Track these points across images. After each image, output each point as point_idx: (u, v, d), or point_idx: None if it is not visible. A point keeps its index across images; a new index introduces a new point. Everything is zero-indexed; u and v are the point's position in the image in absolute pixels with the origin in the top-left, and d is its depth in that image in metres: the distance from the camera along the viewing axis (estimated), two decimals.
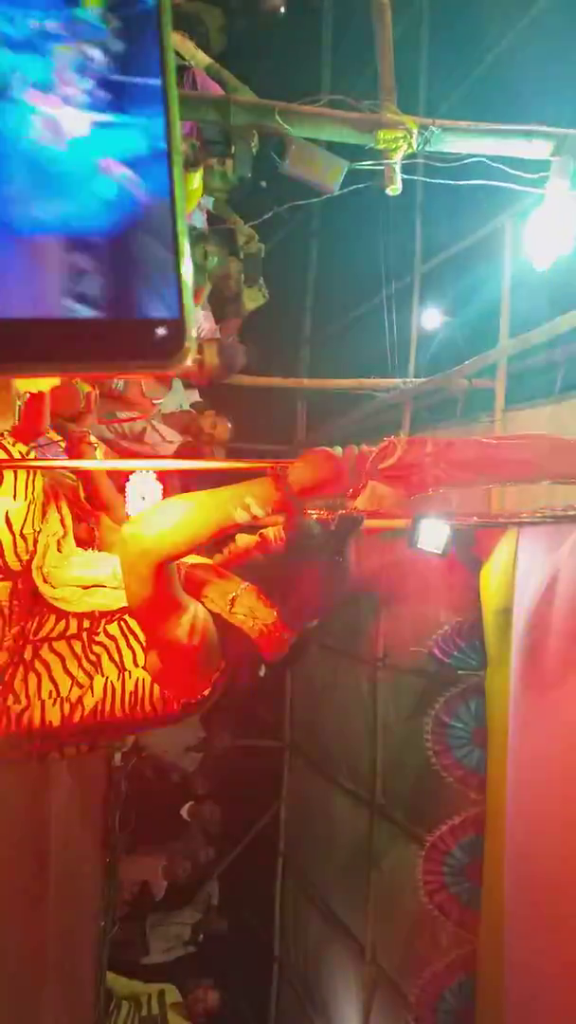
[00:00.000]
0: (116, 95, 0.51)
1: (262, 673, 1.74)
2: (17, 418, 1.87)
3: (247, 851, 6.33)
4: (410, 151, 2.89)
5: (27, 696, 1.58)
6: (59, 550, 1.70)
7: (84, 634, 1.63)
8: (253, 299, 4.97)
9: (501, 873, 3.39)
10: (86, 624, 1.64)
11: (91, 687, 1.59)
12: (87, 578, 1.66)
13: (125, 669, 1.60)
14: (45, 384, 1.94)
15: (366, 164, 3.00)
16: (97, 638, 1.63)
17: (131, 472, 2.68)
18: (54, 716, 1.58)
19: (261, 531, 1.75)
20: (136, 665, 1.60)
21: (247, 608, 1.63)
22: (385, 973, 4.52)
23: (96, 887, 4.34)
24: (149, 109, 0.51)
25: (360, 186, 3.12)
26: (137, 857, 5.38)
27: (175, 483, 3.68)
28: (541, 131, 2.87)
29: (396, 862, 4.38)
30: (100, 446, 2.17)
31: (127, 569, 1.51)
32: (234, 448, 4.90)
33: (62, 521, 1.76)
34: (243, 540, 1.75)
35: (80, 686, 1.59)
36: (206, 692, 1.64)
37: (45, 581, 1.65)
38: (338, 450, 1.53)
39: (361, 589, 4.62)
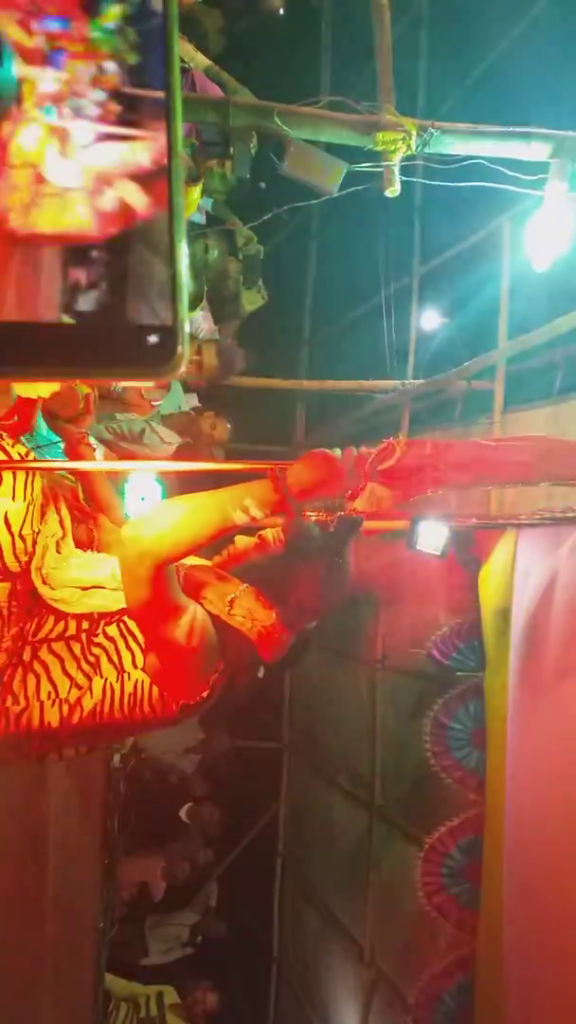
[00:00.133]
0: (127, 108, 0.52)
1: (261, 674, 1.73)
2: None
3: (246, 852, 6.32)
4: (409, 153, 2.90)
5: (26, 697, 1.58)
6: (58, 551, 1.70)
7: (83, 635, 1.63)
8: (252, 301, 4.97)
9: (500, 874, 3.39)
10: (85, 625, 1.64)
11: (90, 688, 1.59)
12: (86, 579, 1.66)
13: (124, 670, 1.60)
14: (44, 389, 1.94)
15: (365, 166, 3.00)
16: (96, 639, 1.63)
17: (130, 473, 2.68)
18: (53, 717, 1.58)
19: (260, 533, 1.75)
20: (135, 667, 1.60)
21: (246, 610, 1.63)
22: (384, 974, 4.52)
23: (95, 888, 4.34)
24: (157, 122, 0.51)
25: (359, 188, 3.12)
26: (136, 858, 5.38)
27: (174, 484, 3.68)
28: (540, 133, 2.88)
29: (395, 863, 4.38)
30: (99, 447, 2.17)
31: (126, 571, 1.51)
32: (233, 449, 4.90)
33: (61, 522, 1.76)
34: (242, 542, 1.75)
35: (79, 687, 1.59)
36: (205, 694, 1.64)
37: (44, 582, 1.65)
38: (337, 452, 1.53)
39: (360, 590, 4.62)
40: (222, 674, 1.65)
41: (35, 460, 1.75)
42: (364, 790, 4.85)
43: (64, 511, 1.79)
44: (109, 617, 1.64)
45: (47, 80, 0.51)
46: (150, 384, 0.53)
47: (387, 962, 4.51)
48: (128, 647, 1.61)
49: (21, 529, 1.65)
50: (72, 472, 2.03)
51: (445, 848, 3.86)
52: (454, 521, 3.34)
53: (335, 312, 6.52)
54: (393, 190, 3.00)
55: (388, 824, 4.55)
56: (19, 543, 1.64)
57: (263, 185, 3.92)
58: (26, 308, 0.49)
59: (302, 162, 2.95)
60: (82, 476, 2.04)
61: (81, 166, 0.51)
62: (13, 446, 1.69)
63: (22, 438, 1.80)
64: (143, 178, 0.51)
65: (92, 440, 2.20)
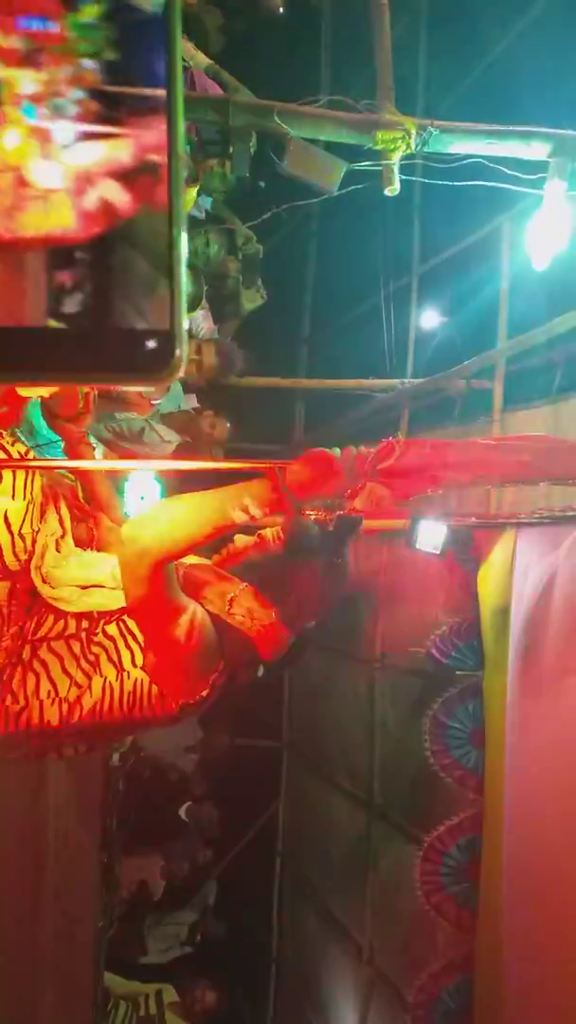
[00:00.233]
0: (110, 107, 0.51)
1: (260, 674, 1.74)
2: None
3: (245, 851, 6.33)
4: (408, 152, 2.90)
5: (25, 696, 1.58)
6: (58, 550, 1.70)
7: (83, 634, 1.63)
8: (251, 300, 4.97)
9: (499, 873, 3.40)
10: (84, 624, 1.64)
11: (89, 687, 1.59)
12: (86, 578, 1.66)
13: (124, 669, 1.60)
14: (44, 389, 1.94)
15: (365, 165, 3.00)
16: (95, 638, 1.63)
17: (130, 472, 2.68)
18: (52, 716, 1.58)
19: (259, 532, 1.75)
20: (135, 665, 1.60)
21: (245, 609, 1.63)
22: (383, 973, 4.52)
23: (94, 887, 4.34)
24: (142, 121, 0.51)
25: (359, 186, 3.12)
26: (135, 857, 5.38)
27: (173, 483, 3.68)
28: (539, 132, 2.88)
29: (394, 862, 4.39)
30: (99, 446, 2.17)
31: (125, 569, 1.52)
32: (232, 448, 4.90)
33: (61, 521, 1.76)
34: (241, 541, 1.75)
35: (78, 686, 1.59)
36: (204, 693, 1.64)
37: (44, 581, 1.65)
38: (336, 451, 1.53)
39: (360, 589, 4.62)
40: (221, 673, 1.65)
41: (35, 459, 1.75)
42: (363, 789, 4.85)
43: (64, 510, 1.79)
44: (109, 616, 1.64)
45: (26, 80, 0.50)
46: (150, 389, 0.53)
47: (386, 961, 4.52)
48: (128, 646, 1.62)
49: (21, 528, 1.65)
50: (72, 471, 2.03)
51: (444, 847, 3.86)
52: (453, 520, 3.34)
53: (335, 311, 6.52)
54: (393, 189, 3.00)
55: (387, 823, 4.56)
56: (19, 542, 1.64)
57: (263, 184, 3.92)
58: (14, 314, 0.49)
59: (302, 161, 2.95)
60: (82, 475, 2.04)
61: (64, 167, 0.50)
62: (12, 444, 1.69)
63: (17, 433, 1.80)
64: (128, 177, 0.50)
65: (92, 439, 2.20)
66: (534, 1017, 3.15)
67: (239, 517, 1.46)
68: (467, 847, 3.81)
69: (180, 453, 4.22)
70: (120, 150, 0.51)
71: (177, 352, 0.49)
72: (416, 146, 2.89)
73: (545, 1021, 3.06)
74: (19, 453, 1.70)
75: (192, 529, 1.46)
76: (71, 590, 1.65)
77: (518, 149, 2.93)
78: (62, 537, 1.74)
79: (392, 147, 2.87)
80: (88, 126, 0.51)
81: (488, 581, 3.65)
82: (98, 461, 2.10)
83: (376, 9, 3.02)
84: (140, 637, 1.61)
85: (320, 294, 6.84)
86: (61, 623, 1.64)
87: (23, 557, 1.65)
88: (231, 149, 3.02)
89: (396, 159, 2.91)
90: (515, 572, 3.40)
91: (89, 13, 0.51)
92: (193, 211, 4.16)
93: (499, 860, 3.41)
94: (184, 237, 0.50)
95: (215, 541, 1.56)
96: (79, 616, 1.65)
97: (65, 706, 1.58)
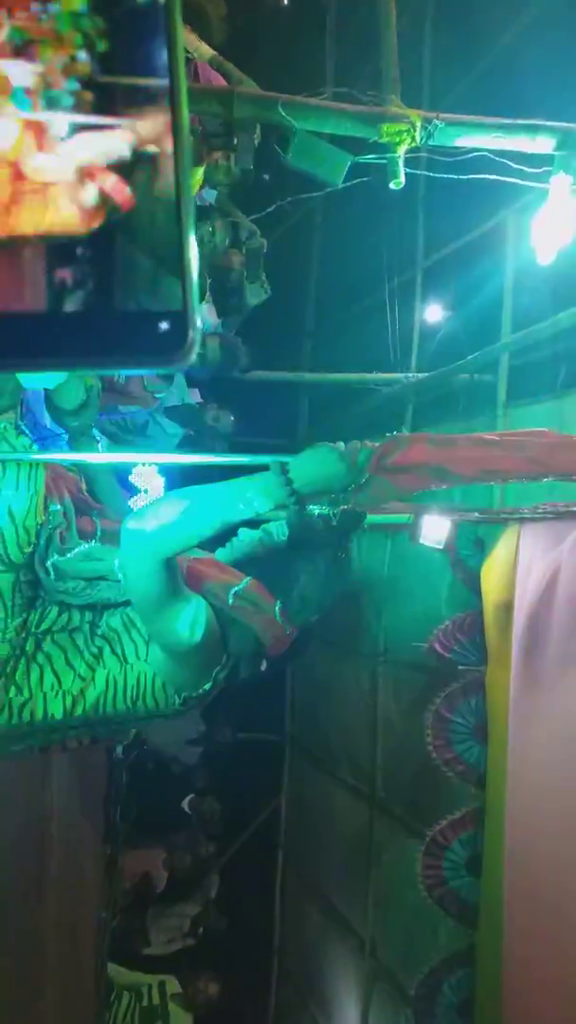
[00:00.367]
0: (103, 96, 0.50)
1: (264, 668, 1.74)
2: (20, 412, 1.87)
3: (247, 844, 6.35)
4: (414, 145, 2.89)
5: (29, 688, 1.58)
6: (62, 542, 1.70)
7: (86, 627, 1.64)
8: (255, 295, 4.95)
9: (501, 868, 3.40)
10: (88, 617, 1.65)
11: (93, 679, 1.59)
12: (90, 571, 1.67)
13: (127, 662, 1.61)
14: (50, 380, 1.94)
15: (369, 158, 2.99)
16: (99, 631, 1.63)
17: (134, 466, 2.68)
18: (56, 708, 1.59)
19: (264, 526, 1.75)
20: (138, 658, 1.61)
21: (249, 603, 1.64)
22: (385, 966, 4.54)
23: (97, 878, 4.36)
24: (140, 109, 0.50)
25: (363, 179, 3.11)
26: (138, 849, 5.40)
27: (177, 477, 3.68)
28: (545, 126, 2.87)
29: (396, 856, 4.40)
30: (103, 440, 2.17)
31: (129, 563, 1.52)
32: (236, 442, 4.90)
33: (64, 514, 1.76)
34: (246, 535, 1.75)
35: (82, 678, 1.59)
36: (207, 686, 1.65)
37: (48, 573, 1.65)
38: (340, 445, 1.53)
39: (362, 583, 4.62)
40: (224, 666, 1.65)
41: (39, 452, 1.76)
42: (365, 783, 4.86)
43: (68, 503, 1.79)
44: (112, 608, 1.65)
45: (18, 73, 0.50)
46: (167, 370, 0.52)
47: (388, 954, 4.53)
48: (131, 639, 1.62)
49: (25, 520, 1.65)
50: (76, 464, 2.03)
51: (446, 841, 3.87)
52: (457, 515, 3.34)
53: (339, 305, 6.51)
54: (397, 182, 2.99)
55: (389, 817, 4.57)
56: (23, 534, 1.65)
57: (266, 177, 3.91)
58: (23, 301, 0.49)
59: (306, 153, 2.93)
60: (86, 468, 2.05)
61: (61, 159, 0.50)
62: (17, 437, 1.69)
63: (21, 426, 1.80)
64: (127, 167, 0.50)
65: (96, 433, 2.20)
66: (536, 1011, 3.16)
67: (243, 511, 1.47)
68: (469, 842, 3.82)
69: (184, 447, 4.22)
70: (118, 141, 0.50)
71: (191, 333, 0.49)
72: (421, 139, 2.87)
73: (547, 1015, 3.07)
74: (23, 446, 1.71)
75: (197, 523, 1.46)
76: (75, 582, 1.65)
77: (524, 143, 2.91)
78: (66, 530, 1.74)
79: (397, 140, 2.86)
80: (84, 118, 0.50)
81: (491, 576, 3.64)
82: (102, 454, 2.10)
83: (382, 0, 3.00)
84: (143, 630, 1.62)
85: (324, 288, 6.82)
86: (65, 616, 1.65)
87: (27, 549, 1.66)
88: (235, 141, 3.01)
89: (401, 152, 2.89)
90: (518, 567, 3.39)
91: (79, 1, 0.51)
92: (197, 200, 4.15)
93: (501, 855, 3.41)
94: (193, 215, 0.49)
95: (219, 535, 1.56)
96: (83, 608, 1.66)
97: (69, 698, 1.59)
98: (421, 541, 3.18)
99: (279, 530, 1.72)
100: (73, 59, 0.50)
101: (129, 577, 1.53)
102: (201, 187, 3.73)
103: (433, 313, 5.19)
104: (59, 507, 1.75)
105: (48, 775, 3.34)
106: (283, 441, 6.25)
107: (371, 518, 1.85)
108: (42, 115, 0.50)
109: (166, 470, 3.61)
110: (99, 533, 1.82)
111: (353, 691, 5.02)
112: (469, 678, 3.84)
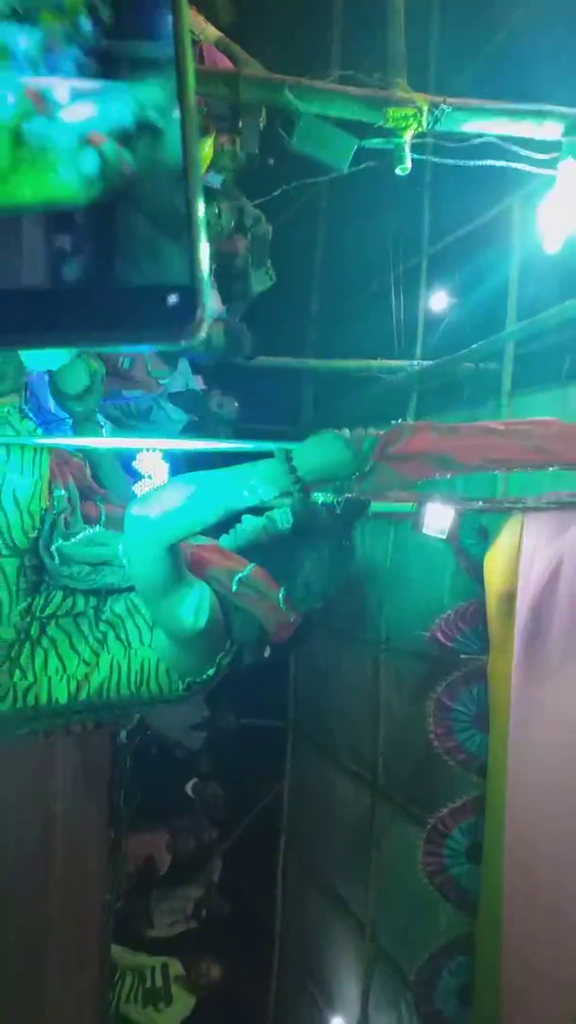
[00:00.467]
0: (107, 62, 0.49)
1: (267, 654, 1.75)
2: (24, 396, 1.87)
3: (250, 828, 6.39)
4: (420, 130, 2.86)
5: (34, 672, 1.59)
6: (66, 527, 1.71)
7: (91, 612, 1.64)
8: (260, 282, 4.93)
9: (501, 855, 3.42)
10: (93, 602, 1.66)
11: (97, 664, 1.60)
12: (94, 556, 1.67)
13: (131, 647, 1.61)
14: (53, 362, 1.94)
15: (375, 142, 2.96)
16: (103, 616, 1.64)
17: (138, 452, 2.68)
18: (60, 693, 1.60)
19: (267, 513, 1.75)
20: (142, 643, 1.61)
21: (253, 589, 1.64)
22: (385, 951, 4.58)
23: (101, 862, 4.39)
24: (143, 75, 0.49)
25: (369, 164, 3.08)
26: (142, 833, 5.44)
27: (181, 463, 3.68)
28: (553, 111, 2.84)
29: (397, 843, 4.42)
30: (107, 425, 2.17)
31: (133, 548, 1.52)
32: (240, 428, 4.89)
33: (69, 499, 1.77)
34: (250, 521, 1.75)
35: (86, 663, 1.60)
36: (211, 672, 1.65)
37: (52, 558, 1.66)
38: (345, 432, 1.53)
39: (366, 571, 4.63)
40: (228, 653, 1.66)
41: (44, 437, 1.76)
42: (367, 770, 4.88)
43: (72, 488, 1.79)
44: (117, 594, 1.65)
45: (19, 38, 0.49)
46: (175, 347, 0.51)
47: (388, 939, 4.57)
48: (135, 624, 1.63)
49: (29, 505, 1.65)
50: (80, 449, 2.03)
51: (447, 829, 3.89)
52: (460, 504, 3.33)
53: (344, 292, 6.47)
54: (404, 168, 2.96)
55: (390, 804, 4.59)
56: (27, 519, 1.65)
57: (272, 161, 3.88)
58: (28, 277, 0.48)
59: (312, 138, 2.91)
60: (90, 453, 2.05)
61: (62, 126, 0.49)
62: (21, 421, 1.69)
63: (25, 410, 1.80)
64: (130, 134, 0.49)
65: (100, 418, 2.20)
66: (534, 996, 3.19)
67: (247, 498, 1.47)
68: (470, 830, 3.84)
69: (188, 433, 4.22)
70: (123, 106, 0.49)
71: (200, 307, 0.48)
72: (428, 124, 2.85)
73: (545, 1000, 3.10)
74: (27, 431, 1.71)
75: (200, 509, 1.46)
76: (80, 567, 1.66)
77: (531, 128, 2.88)
78: (70, 515, 1.74)
79: (404, 125, 2.83)
80: (85, 84, 0.49)
81: (494, 566, 3.64)
82: (106, 440, 2.10)
83: None
84: (147, 615, 1.62)
85: (329, 274, 6.78)
86: (70, 600, 1.65)
87: (32, 534, 1.66)
88: (240, 124, 2.99)
89: (408, 137, 2.87)
90: (522, 557, 3.39)
91: None
92: (203, 181, 4.12)
93: (501, 842, 3.43)
94: (201, 184, 0.48)
95: (223, 521, 1.56)
96: (87, 593, 1.66)
97: (73, 683, 1.59)
98: (424, 530, 3.18)
99: (283, 517, 1.72)
100: (75, 25, 0.50)
101: (133, 563, 1.54)
102: (207, 170, 3.70)
103: (438, 300, 5.16)
104: (63, 492, 1.75)
105: (53, 759, 3.36)
106: (287, 428, 6.24)
107: (375, 506, 1.84)
108: (43, 81, 0.49)
109: (170, 456, 3.61)
110: (103, 518, 1.83)
111: (355, 679, 5.04)
112: (471, 667, 3.85)
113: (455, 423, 1.67)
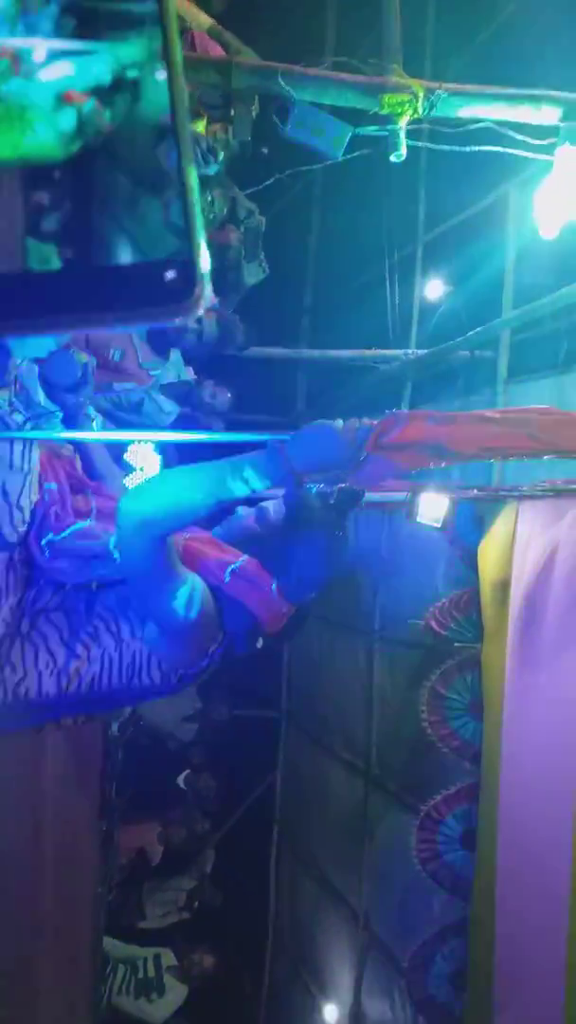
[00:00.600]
0: (86, 20, 0.48)
1: (260, 645, 1.73)
2: (14, 389, 1.84)
3: (243, 819, 6.40)
4: (416, 116, 2.83)
5: (24, 667, 1.58)
6: (57, 521, 1.69)
7: (82, 605, 1.63)
8: (253, 274, 4.89)
9: (495, 841, 3.44)
10: (84, 595, 1.64)
11: (88, 658, 1.58)
12: (84, 549, 1.65)
13: (122, 640, 1.60)
14: (41, 349, 1.91)
15: (370, 129, 2.93)
16: (95, 610, 1.62)
17: (129, 444, 2.66)
18: (51, 687, 1.58)
19: (260, 504, 1.74)
20: (133, 636, 1.60)
21: (246, 581, 1.63)
22: (378, 938, 4.60)
23: (93, 853, 4.39)
24: (125, 33, 0.48)
25: (364, 151, 3.05)
26: (134, 824, 5.44)
27: (173, 455, 3.66)
28: (550, 96, 2.81)
29: (390, 830, 4.44)
30: (97, 417, 2.14)
31: (125, 541, 1.50)
32: (233, 419, 4.86)
33: (59, 492, 1.75)
34: (242, 513, 1.74)
35: (77, 657, 1.58)
36: (203, 663, 1.64)
37: (42, 552, 1.64)
38: (339, 422, 1.51)
39: (360, 561, 4.62)
40: (220, 644, 1.65)
41: (34, 430, 1.73)
42: (361, 759, 4.89)
43: (63, 481, 1.77)
44: (108, 587, 1.63)
45: None
46: (175, 323, 0.48)
47: (381, 926, 4.59)
48: (127, 617, 1.61)
49: (19, 498, 1.63)
50: (71, 442, 2.01)
51: (440, 816, 3.90)
52: (455, 493, 3.32)
53: (337, 281, 6.43)
54: (399, 155, 2.93)
55: (384, 792, 4.60)
56: (17, 513, 1.63)
57: (265, 150, 3.84)
58: (18, 258, 0.46)
59: (306, 125, 2.88)
60: (81, 446, 2.02)
61: (40, 86, 0.47)
62: (11, 414, 1.67)
63: (15, 403, 1.78)
64: (109, 93, 0.48)
65: (90, 410, 2.17)
66: (526, 981, 3.20)
67: (240, 489, 1.45)
68: (463, 816, 3.85)
69: (180, 425, 4.18)
70: (99, 67, 0.48)
71: (200, 280, 0.46)
72: (423, 110, 2.81)
73: (536, 985, 3.12)
74: (17, 423, 1.68)
75: (192, 501, 1.45)
76: (70, 561, 1.64)
77: (528, 114, 2.85)
78: (61, 508, 1.72)
79: (399, 111, 2.80)
80: (63, 44, 0.48)
81: (489, 554, 3.64)
82: (97, 432, 2.07)
83: None
84: (139, 608, 1.61)
85: (323, 263, 6.74)
86: (60, 594, 1.64)
87: (21, 528, 1.64)
88: (233, 113, 2.95)
89: (403, 123, 2.84)
90: (516, 545, 3.39)
91: None
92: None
93: (494, 829, 3.45)
94: (193, 150, 0.46)
95: (215, 512, 1.54)
96: (78, 587, 1.65)
97: (64, 677, 1.58)
98: (418, 519, 3.17)
99: (276, 508, 1.71)
100: None
101: (124, 555, 1.52)
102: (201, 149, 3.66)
103: (433, 288, 5.14)
104: (54, 485, 1.73)
105: (43, 752, 3.35)
106: (281, 419, 6.21)
107: (369, 496, 1.83)
108: (20, 40, 0.48)
109: (162, 448, 3.58)
110: (94, 511, 1.80)
111: (349, 668, 5.04)
112: (465, 655, 3.85)
113: (450, 412, 1.65)
